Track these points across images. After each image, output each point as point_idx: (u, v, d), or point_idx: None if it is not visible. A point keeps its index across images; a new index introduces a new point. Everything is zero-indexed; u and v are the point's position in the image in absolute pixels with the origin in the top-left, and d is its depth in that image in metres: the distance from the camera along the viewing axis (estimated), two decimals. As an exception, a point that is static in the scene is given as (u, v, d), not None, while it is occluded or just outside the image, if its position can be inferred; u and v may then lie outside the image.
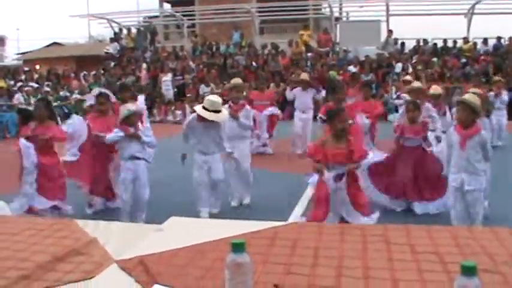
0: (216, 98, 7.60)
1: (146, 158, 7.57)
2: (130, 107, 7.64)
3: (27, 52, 45.62)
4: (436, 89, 10.06)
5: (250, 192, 8.61)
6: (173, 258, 2.93)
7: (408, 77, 13.79)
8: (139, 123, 7.87)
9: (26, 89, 21.97)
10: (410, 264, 2.86)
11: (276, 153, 13.69)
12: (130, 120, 7.37)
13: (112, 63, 28.24)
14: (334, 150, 6.07)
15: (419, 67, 22.70)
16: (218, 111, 7.44)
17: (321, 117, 9.62)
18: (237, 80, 10.31)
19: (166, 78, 24.62)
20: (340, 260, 2.91)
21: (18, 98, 21.13)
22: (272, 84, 15.06)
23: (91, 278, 2.78)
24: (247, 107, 8.82)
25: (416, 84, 10.66)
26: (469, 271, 1.91)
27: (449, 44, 26.03)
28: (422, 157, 7.94)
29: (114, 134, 7.36)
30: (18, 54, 49.83)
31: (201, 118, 7.45)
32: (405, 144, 7.98)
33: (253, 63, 26.20)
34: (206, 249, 3.05)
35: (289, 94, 13.97)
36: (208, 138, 7.64)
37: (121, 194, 7.51)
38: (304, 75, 14.36)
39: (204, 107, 7.43)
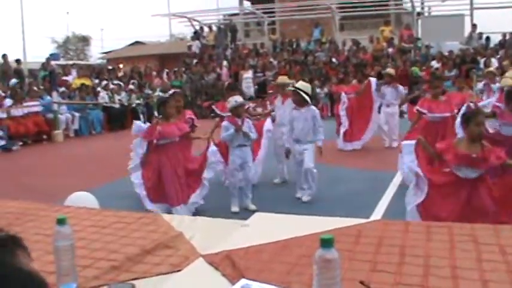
0: None
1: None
2: (237, 98, 8.31)
3: (110, 51, 46.96)
4: None
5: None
6: (259, 254, 2.94)
7: (492, 69, 13.40)
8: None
9: (111, 87, 22.58)
10: (500, 265, 2.77)
11: (361, 149, 13.68)
12: (238, 111, 8.19)
13: (194, 61, 28.63)
14: (466, 152, 5.70)
15: (505, 62, 22.01)
16: None
17: (418, 110, 9.46)
18: (283, 78, 10.78)
19: (247, 76, 24.77)
20: (427, 259, 2.86)
21: (103, 97, 21.75)
22: (354, 81, 14.92)
23: (178, 271, 2.82)
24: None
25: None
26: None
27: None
28: None
29: (228, 133, 8.14)
30: (102, 53, 51.37)
31: None
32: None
33: (334, 60, 26.07)
34: (292, 245, 3.05)
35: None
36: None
37: (230, 178, 8.44)
38: (391, 70, 14.28)
39: None
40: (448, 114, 9.10)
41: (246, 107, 9.29)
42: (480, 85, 12.84)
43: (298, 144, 8.59)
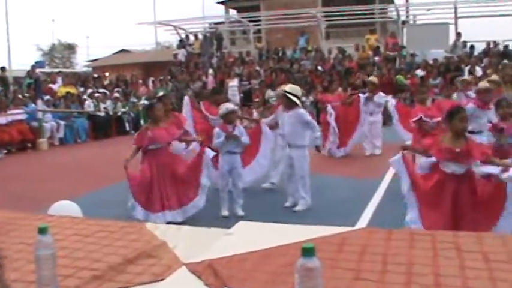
0: None
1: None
2: (228, 105, 8.49)
3: (96, 59, 46.87)
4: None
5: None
6: (242, 263, 2.94)
7: (468, 78, 13.44)
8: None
9: (96, 95, 22.51)
10: (483, 273, 2.78)
11: (347, 156, 13.70)
12: (229, 118, 8.32)
13: (179, 69, 28.62)
14: (449, 146, 5.87)
15: (489, 70, 22.16)
16: None
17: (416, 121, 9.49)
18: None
19: (233, 84, 24.77)
20: (410, 267, 2.86)
21: (89, 105, 21.68)
22: (340, 89, 14.99)
23: (161, 280, 2.82)
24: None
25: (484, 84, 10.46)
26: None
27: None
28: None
29: (218, 140, 8.25)
30: (88, 61, 51.24)
31: None
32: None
33: (319, 68, 26.15)
34: (275, 254, 3.05)
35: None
36: None
37: (220, 181, 8.55)
38: (374, 79, 14.34)
39: None
40: (437, 120, 9.11)
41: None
42: (455, 95, 12.90)
43: (288, 147, 8.62)
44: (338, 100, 14.02)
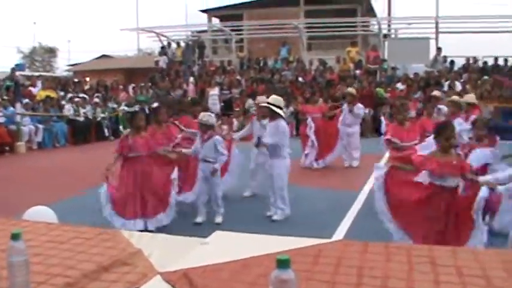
0: None
1: (217, 161, 8.40)
2: (210, 119, 8.52)
3: (77, 64, 46.57)
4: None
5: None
6: (218, 273, 2.93)
7: (436, 93, 13.59)
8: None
9: (76, 100, 22.37)
10: (457, 287, 2.80)
11: (325, 168, 13.73)
12: (206, 128, 8.38)
13: (161, 76, 28.55)
14: (447, 160, 6.03)
15: (468, 86, 22.37)
16: None
17: (385, 140, 9.60)
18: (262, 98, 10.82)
19: (214, 93, 24.80)
20: (385, 280, 2.87)
21: (68, 109, 21.54)
22: (320, 100, 15.07)
23: (135, 288, 2.80)
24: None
25: (455, 97, 10.60)
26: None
27: (500, 62, 25.63)
28: None
29: (194, 145, 8.60)
30: (68, 65, 50.88)
31: None
32: None
33: (300, 79, 26.23)
34: (251, 264, 3.04)
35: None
36: None
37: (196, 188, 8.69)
38: (352, 90, 14.42)
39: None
40: (414, 142, 9.15)
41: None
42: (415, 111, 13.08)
43: (270, 158, 8.68)
44: (319, 112, 14.08)
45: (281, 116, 8.60)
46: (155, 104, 10.02)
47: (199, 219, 8.36)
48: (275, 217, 8.56)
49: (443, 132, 6.13)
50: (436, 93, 13.61)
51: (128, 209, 7.70)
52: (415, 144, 9.01)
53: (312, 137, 13.61)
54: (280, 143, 8.51)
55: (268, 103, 8.68)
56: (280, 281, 2.02)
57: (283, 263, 2.04)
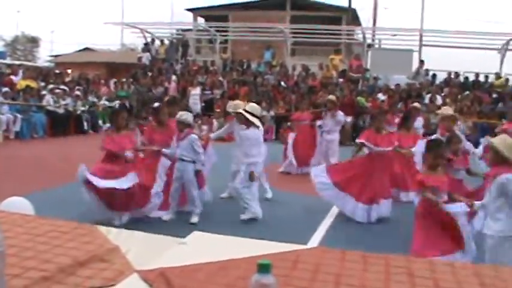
0: None
1: (195, 160, 8.37)
2: (189, 118, 8.49)
3: (59, 55, 46.27)
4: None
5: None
6: (195, 273, 2.92)
7: (417, 104, 13.67)
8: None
9: (57, 91, 22.17)
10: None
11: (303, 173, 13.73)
12: (182, 126, 8.30)
13: (143, 73, 28.41)
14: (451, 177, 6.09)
15: (448, 100, 22.51)
16: None
17: (358, 143, 9.60)
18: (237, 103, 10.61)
19: (195, 92, 24.70)
20: (362, 289, 2.88)
21: (48, 100, 21.33)
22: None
23: (112, 285, 2.77)
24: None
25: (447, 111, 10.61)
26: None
27: (481, 78, 25.88)
28: None
29: (172, 147, 8.47)
30: (51, 56, 50.54)
31: None
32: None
33: (282, 83, 26.26)
34: (229, 267, 3.03)
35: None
36: None
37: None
38: (332, 97, 14.45)
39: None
40: (389, 149, 9.25)
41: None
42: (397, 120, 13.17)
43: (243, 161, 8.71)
44: (308, 119, 14.16)
45: (254, 125, 8.62)
46: (156, 104, 9.78)
47: (166, 217, 8.37)
48: (242, 216, 8.57)
49: (432, 150, 6.12)
50: (416, 104, 13.70)
51: (116, 204, 7.75)
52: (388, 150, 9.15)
53: (290, 143, 13.72)
54: (254, 149, 8.56)
55: (245, 110, 8.71)
56: (260, 285, 2.02)
57: (264, 268, 2.03)
